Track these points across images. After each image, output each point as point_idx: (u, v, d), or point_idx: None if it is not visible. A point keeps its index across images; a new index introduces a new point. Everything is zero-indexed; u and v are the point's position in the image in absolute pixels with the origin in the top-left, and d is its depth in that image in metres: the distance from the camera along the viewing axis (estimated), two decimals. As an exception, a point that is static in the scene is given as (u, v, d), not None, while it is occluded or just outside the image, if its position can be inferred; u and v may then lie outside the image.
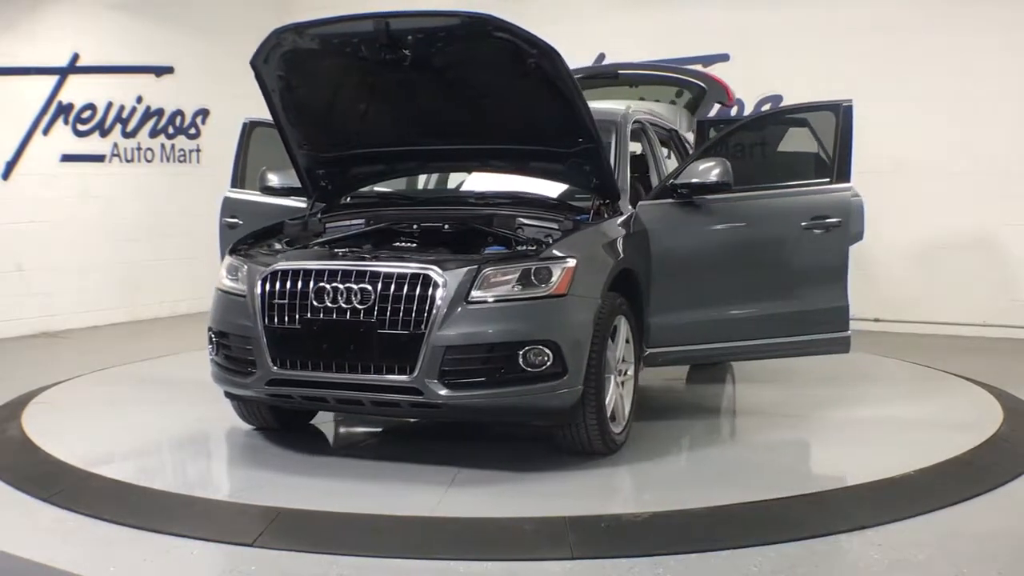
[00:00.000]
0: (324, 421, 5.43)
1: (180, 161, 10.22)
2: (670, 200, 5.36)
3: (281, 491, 4.25)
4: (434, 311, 4.29)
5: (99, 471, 4.55)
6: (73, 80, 9.26)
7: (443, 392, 4.30)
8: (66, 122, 9.24)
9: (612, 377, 4.72)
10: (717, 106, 8.10)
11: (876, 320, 8.96)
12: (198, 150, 10.36)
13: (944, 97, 8.59)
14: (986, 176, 8.47)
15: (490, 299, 4.34)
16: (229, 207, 6.62)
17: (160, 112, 9.99)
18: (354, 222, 5.23)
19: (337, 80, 5.10)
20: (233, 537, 3.79)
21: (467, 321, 4.30)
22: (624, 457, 4.79)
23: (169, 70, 10.01)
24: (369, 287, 4.37)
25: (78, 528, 3.94)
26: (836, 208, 5.41)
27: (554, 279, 4.38)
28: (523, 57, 4.56)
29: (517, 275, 4.37)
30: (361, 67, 4.89)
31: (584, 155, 4.95)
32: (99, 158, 9.52)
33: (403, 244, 4.94)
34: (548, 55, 4.53)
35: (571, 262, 4.44)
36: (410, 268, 4.40)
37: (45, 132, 9.08)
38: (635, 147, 6.24)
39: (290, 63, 4.94)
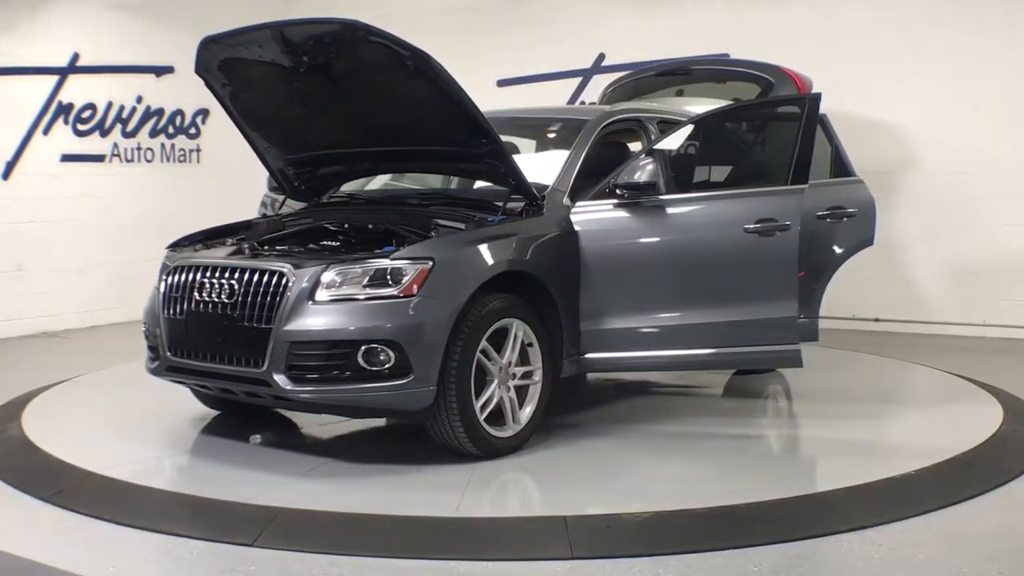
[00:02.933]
0: (325, 421, 5.42)
1: (180, 161, 10.23)
2: (609, 201, 5.20)
3: (281, 491, 4.25)
4: (283, 307, 4.44)
5: (99, 471, 4.54)
6: (73, 80, 9.26)
7: (289, 386, 4.43)
8: (66, 122, 9.24)
9: (495, 380, 4.68)
10: None
11: (876, 320, 8.96)
12: (198, 150, 10.36)
13: (945, 97, 8.56)
14: (986, 175, 8.45)
15: (336, 297, 4.44)
16: (263, 207, 6.75)
17: (160, 112, 9.99)
18: (304, 220, 5.37)
19: (269, 86, 5.18)
20: (233, 537, 3.79)
21: (310, 318, 4.42)
22: (626, 457, 4.80)
23: (169, 70, 10.00)
24: (235, 283, 4.60)
25: (78, 528, 3.94)
26: (784, 212, 5.14)
27: (405, 279, 4.42)
28: (402, 61, 4.61)
29: (369, 274, 4.44)
30: (282, 74, 4.97)
31: (493, 156, 4.99)
32: (99, 158, 9.52)
33: (327, 243, 5.04)
34: (421, 58, 4.57)
35: (427, 262, 4.46)
36: (265, 265, 4.58)
37: (45, 132, 9.08)
38: (635, 146, 6.25)
39: (226, 71, 5.11)
